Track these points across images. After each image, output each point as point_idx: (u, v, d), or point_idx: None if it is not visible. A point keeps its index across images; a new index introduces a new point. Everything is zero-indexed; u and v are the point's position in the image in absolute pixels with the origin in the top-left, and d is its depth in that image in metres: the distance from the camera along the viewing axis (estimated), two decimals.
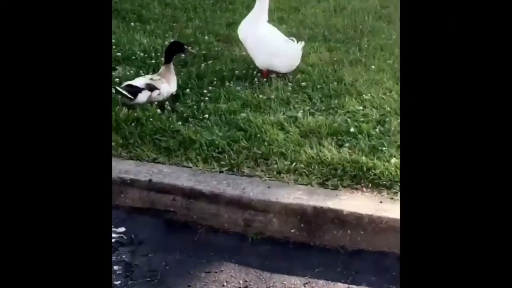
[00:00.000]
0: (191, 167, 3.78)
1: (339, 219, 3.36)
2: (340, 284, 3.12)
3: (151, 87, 4.55)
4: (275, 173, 3.73)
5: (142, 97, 4.51)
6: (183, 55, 5.26)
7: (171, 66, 4.75)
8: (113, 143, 3.99)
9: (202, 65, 5.35)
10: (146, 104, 4.50)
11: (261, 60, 5.12)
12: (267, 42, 5.07)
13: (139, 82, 4.58)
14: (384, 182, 3.59)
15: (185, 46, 4.90)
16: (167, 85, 4.65)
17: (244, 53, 5.59)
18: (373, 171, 3.66)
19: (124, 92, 4.42)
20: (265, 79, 5.08)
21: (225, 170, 3.75)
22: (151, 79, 4.63)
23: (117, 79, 4.94)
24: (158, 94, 4.58)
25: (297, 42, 5.07)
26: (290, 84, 4.99)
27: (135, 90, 4.49)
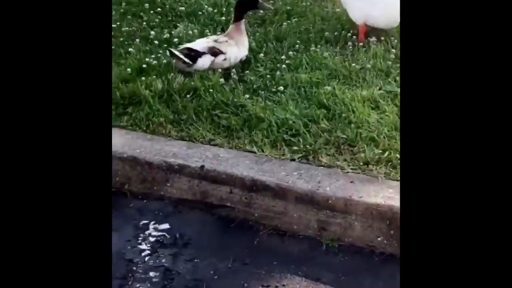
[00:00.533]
0: (255, 152, 3.74)
1: None
2: None
3: (214, 52, 4.52)
4: (361, 164, 3.64)
5: (203, 62, 4.49)
6: (261, 11, 5.20)
7: (242, 25, 4.69)
8: (161, 119, 4.01)
9: (284, 24, 5.30)
10: (208, 71, 4.47)
11: (356, 11, 5.07)
12: None
13: (200, 45, 4.56)
14: None
15: (260, 1, 4.81)
16: (236, 48, 4.61)
17: (338, 9, 5.49)
18: None
19: (181, 55, 4.40)
20: (361, 44, 4.93)
21: (298, 158, 3.69)
22: (215, 41, 4.60)
23: (176, 39, 4.95)
24: (224, 60, 4.55)
25: None
26: (393, 50, 4.84)
27: (195, 54, 4.47)
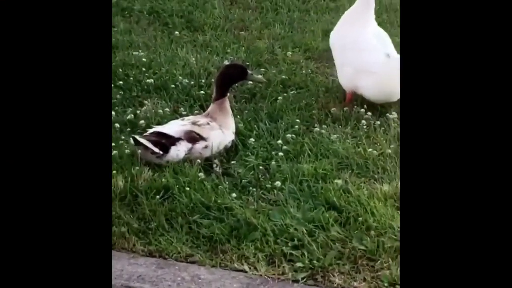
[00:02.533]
0: (246, 272, 3.61)
1: None
2: None
3: (192, 137, 4.42)
4: (385, 284, 3.51)
5: (178, 151, 4.40)
6: (250, 83, 5.12)
7: (226, 102, 4.65)
8: (123, 229, 3.86)
9: (279, 98, 5.24)
10: (184, 163, 4.34)
11: (344, 76, 5.18)
12: (356, 51, 5.09)
13: (174, 128, 4.48)
14: None
15: (249, 71, 4.75)
16: (219, 132, 4.53)
17: None
18: None
19: (148, 144, 4.27)
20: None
21: (303, 278, 3.57)
22: (194, 123, 4.51)
23: (142, 122, 4.82)
24: (205, 147, 4.46)
25: None
26: None
27: (167, 141, 4.36)
